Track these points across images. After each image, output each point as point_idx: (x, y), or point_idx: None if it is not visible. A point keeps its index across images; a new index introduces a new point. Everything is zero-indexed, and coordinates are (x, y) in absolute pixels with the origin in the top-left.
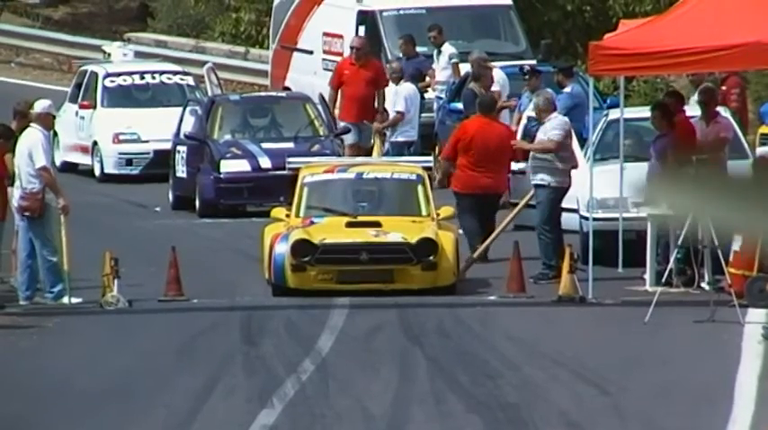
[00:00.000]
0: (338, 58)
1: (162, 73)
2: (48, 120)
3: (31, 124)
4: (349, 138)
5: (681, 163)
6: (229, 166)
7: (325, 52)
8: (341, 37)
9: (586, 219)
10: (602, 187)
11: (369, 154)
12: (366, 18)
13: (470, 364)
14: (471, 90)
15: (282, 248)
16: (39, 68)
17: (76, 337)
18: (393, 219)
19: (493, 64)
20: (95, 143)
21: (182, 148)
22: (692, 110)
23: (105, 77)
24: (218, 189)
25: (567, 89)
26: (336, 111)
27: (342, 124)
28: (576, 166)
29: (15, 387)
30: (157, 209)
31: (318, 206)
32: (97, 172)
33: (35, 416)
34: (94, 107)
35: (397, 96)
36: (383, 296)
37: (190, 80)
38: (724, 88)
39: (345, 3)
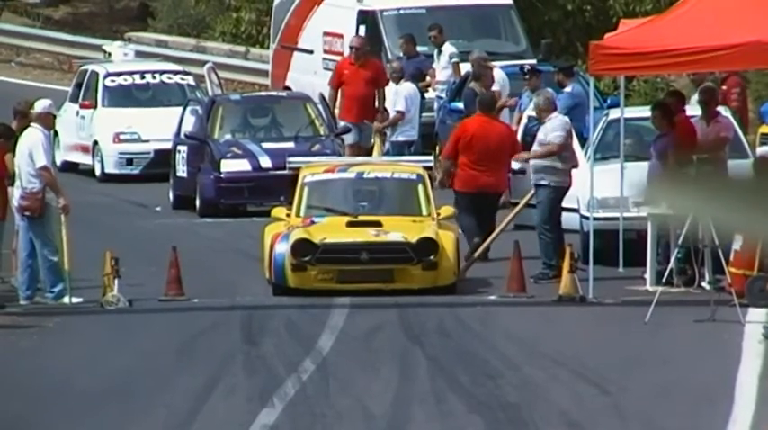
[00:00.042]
0: (338, 58)
1: (162, 72)
2: (48, 120)
3: (32, 124)
4: (349, 138)
5: (681, 163)
6: (230, 166)
7: (325, 52)
8: (341, 36)
9: (587, 218)
10: (602, 187)
11: (369, 153)
12: (366, 18)
13: (471, 364)
14: (472, 89)
15: (283, 248)
16: (39, 68)
17: (77, 337)
18: (393, 218)
19: (493, 63)
20: (96, 143)
21: (182, 148)
22: (693, 109)
23: (106, 77)
24: (218, 188)
25: (568, 89)
26: (336, 111)
27: (342, 124)
28: (576, 166)
29: (15, 386)
30: (158, 208)
31: (319, 206)
32: (98, 171)
33: (35, 415)
34: (95, 107)
35: (398, 96)
36: (383, 296)
37: (190, 80)
38: (724, 88)
39: (346, 2)
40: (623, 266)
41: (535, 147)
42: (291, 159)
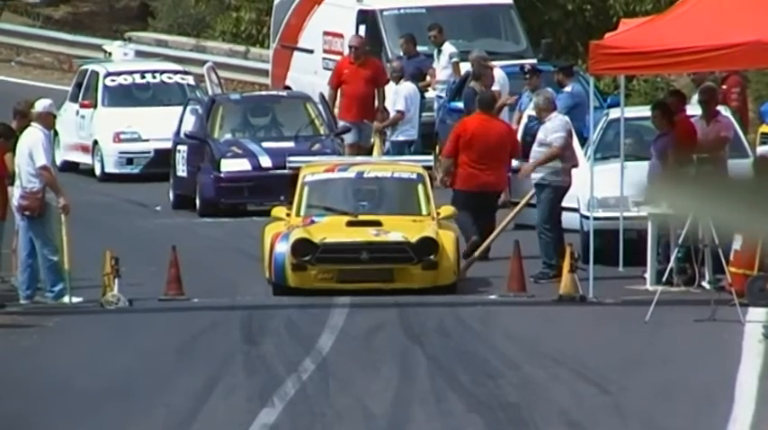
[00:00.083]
0: (339, 58)
1: (162, 72)
2: (48, 120)
3: (32, 123)
4: (349, 138)
5: (681, 162)
6: (230, 165)
7: (325, 51)
8: (341, 36)
9: (587, 218)
10: (602, 186)
11: (369, 153)
12: (366, 17)
13: (471, 363)
14: (472, 89)
15: (283, 247)
16: (39, 68)
17: (77, 337)
18: (393, 218)
19: (493, 63)
20: (96, 142)
21: (182, 148)
22: (693, 109)
23: (106, 76)
24: (218, 188)
25: (568, 88)
26: (336, 111)
27: (342, 123)
28: (576, 165)
29: (15, 386)
30: (158, 208)
31: (319, 205)
32: (98, 171)
33: (35, 415)
34: (95, 106)
35: (398, 95)
36: (383, 295)
37: (190, 79)
38: (724, 87)
39: (346, 2)
40: (623, 266)
41: (535, 147)
42: (291, 159)
